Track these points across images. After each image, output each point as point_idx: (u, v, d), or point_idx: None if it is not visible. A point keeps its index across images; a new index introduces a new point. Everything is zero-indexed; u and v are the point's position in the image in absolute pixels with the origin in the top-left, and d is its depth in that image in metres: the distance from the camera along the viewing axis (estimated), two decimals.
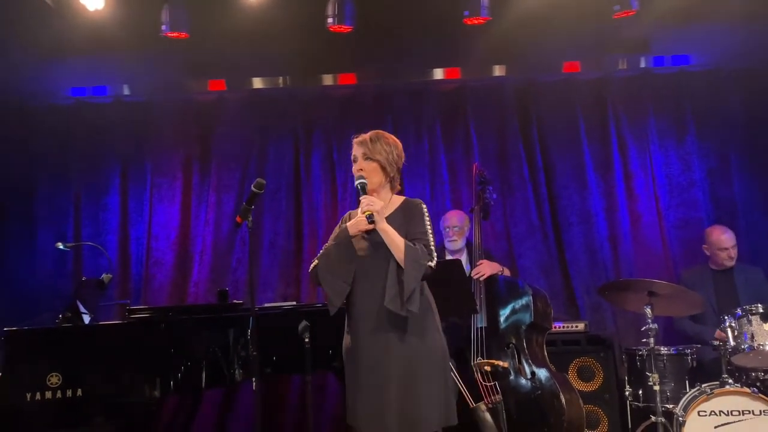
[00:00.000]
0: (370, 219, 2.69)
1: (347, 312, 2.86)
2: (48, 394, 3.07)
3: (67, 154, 5.45)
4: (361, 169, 2.82)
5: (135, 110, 5.49)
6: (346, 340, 2.88)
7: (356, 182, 2.81)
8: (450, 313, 4.11)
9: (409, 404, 2.66)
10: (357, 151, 2.85)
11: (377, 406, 2.68)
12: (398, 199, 2.91)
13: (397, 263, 2.70)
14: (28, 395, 3.06)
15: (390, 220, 2.78)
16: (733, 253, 4.49)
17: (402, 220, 2.80)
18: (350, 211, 3.00)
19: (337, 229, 2.92)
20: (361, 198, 2.76)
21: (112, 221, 5.39)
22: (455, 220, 4.48)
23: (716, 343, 4.02)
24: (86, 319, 3.70)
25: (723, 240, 4.51)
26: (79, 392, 3.10)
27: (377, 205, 2.72)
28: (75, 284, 5.00)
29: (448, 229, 4.47)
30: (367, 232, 2.77)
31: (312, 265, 2.89)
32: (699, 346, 4.25)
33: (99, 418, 3.17)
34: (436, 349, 2.78)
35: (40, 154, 5.44)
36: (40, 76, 5.12)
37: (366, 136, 2.88)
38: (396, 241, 2.70)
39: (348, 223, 2.85)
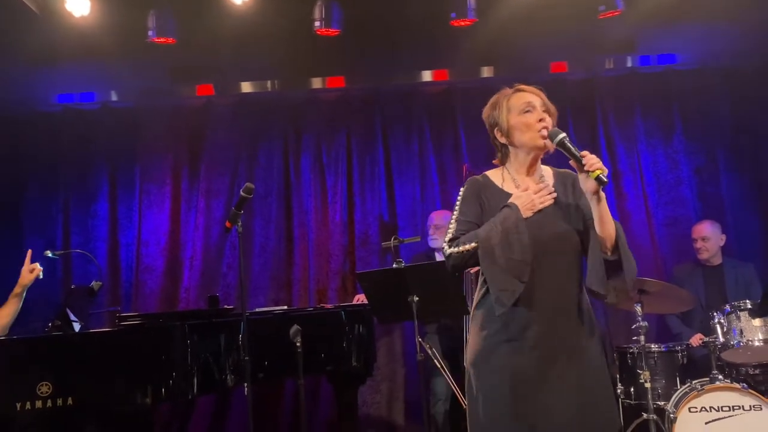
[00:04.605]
0: (604, 181, 2.07)
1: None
2: (38, 404, 3.05)
3: (55, 162, 5.43)
4: (545, 119, 2.23)
5: (123, 116, 5.48)
6: (489, 343, 2.22)
7: (558, 137, 2.16)
8: (442, 315, 4.13)
9: (600, 409, 2.18)
10: (532, 98, 2.26)
11: (560, 414, 2.13)
12: (548, 168, 2.37)
13: (597, 241, 2.16)
14: (18, 405, 3.03)
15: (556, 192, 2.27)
16: (705, 245, 4.51)
17: (564, 192, 2.26)
18: (475, 178, 2.34)
19: (472, 201, 2.29)
20: (584, 153, 2.10)
21: (101, 228, 5.37)
22: (436, 219, 4.59)
23: (692, 345, 4.14)
24: (76, 326, 3.68)
25: (693, 230, 4.62)
26: (70, 401, 3.07)
27: (603, 165, 2.09)
28: (64, 292, 4.97)
29: (429, 228, 4.58)
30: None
31: (463, 248, 2.20)
32: (688, 342, 4.29)
33: (91, 426, 3.14)
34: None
35: (28, 161, 5.41)
36: (27, 84, 5.10)
37: (532, 87, 2.32)
38: (609, 215, 2.16)
39: (520, 199, 2.21)
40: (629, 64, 5.48)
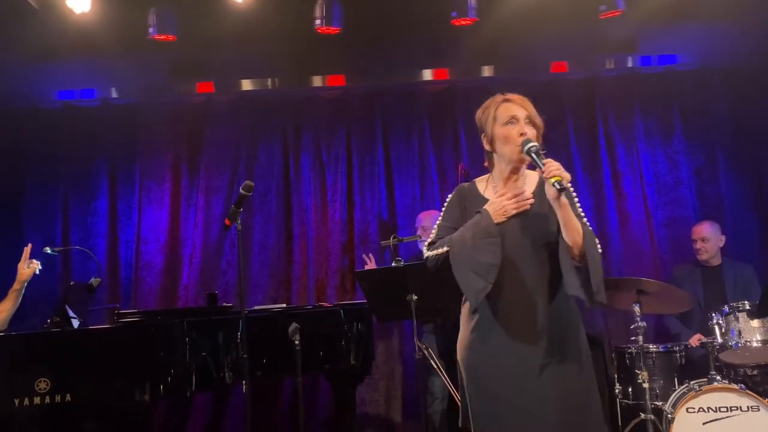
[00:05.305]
0: (561, 187, 2.13)
1: (476, 309, 2.33)
2: (37, 400, 3.05)
3: (55, 158, 5.43)
4: (525, 134, 2.30)
5: (123, 113, 5.48)
6: (470, 340, 2.36)
7: (528, 146, 2.24)
8: (439, 314, 4.13)
9: (586, 416, 2.26)
10: (518, 111, 2.34)
11: (544, 420, 2.21)
12: (534, 174, 2.42)
13: (565, 246, 2.23)
14: (17, 401, 3.04)
15: (535, 198, 2.35)
16: (704, 245, 4.52)
17: (543, 199, 2.30)
18: (462, 185, 2.51)
19: (454, 208, 2.45)
20: (546, 161, 2.18)
21: (100, 225, 5.37)
22: (423, 220, 4.56)
23: (691, 346, 4.13)
24: (75, 323, 3.68)
25: (693, 231, 4.63)
26: (68, 397, 3.08)
27: (565, 172, 2.15)
28: (63, 288, 4.97)
29: (417, 230, 4.55)
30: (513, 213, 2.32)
31: (437, 252, 2.36)
32: (687, 343, 4.29)
33: (89, 423, 3.15)
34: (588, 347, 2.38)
35: (28, 158, 5.41)
36: (27, 80, 5.10)
37: (522, 97, 2.40)
38: (574, 221, 2.22)
39: (492, 205, 2.33)
40: (630, 64, 5.48)
